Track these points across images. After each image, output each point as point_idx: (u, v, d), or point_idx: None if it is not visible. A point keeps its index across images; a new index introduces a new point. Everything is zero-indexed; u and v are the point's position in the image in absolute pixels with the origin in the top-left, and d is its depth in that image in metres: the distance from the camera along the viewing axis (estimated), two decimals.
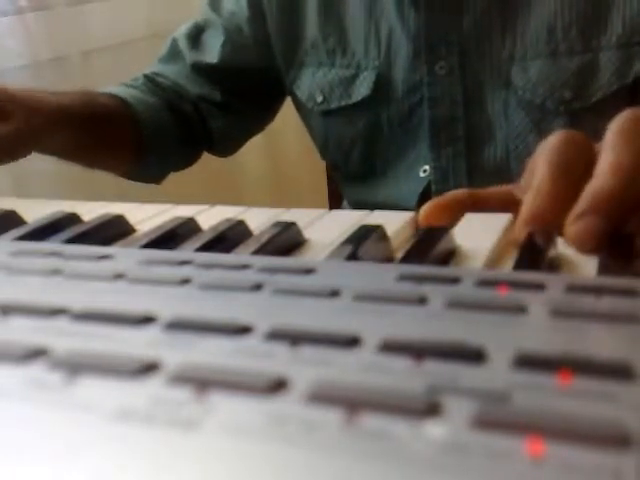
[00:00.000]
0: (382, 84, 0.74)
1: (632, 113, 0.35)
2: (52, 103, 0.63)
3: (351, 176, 0.82)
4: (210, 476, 0.15)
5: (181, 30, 0.84)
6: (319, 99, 0.78)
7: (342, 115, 0.78)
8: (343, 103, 0.77)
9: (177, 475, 0.15)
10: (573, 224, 0.30)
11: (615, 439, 0.15)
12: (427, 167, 0.74)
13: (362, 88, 0.75)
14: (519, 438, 0.16)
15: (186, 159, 0.85)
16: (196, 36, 0.83)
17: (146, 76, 0.82)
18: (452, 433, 0.16)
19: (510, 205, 0.37)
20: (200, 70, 0.82)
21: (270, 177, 1.63)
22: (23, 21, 1.11)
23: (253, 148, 1.52)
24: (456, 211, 0.37)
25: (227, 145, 0.87)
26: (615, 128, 0.34)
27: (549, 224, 0.32)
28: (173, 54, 0.84)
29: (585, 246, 0.30)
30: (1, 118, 0.57)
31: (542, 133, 0.69)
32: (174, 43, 0.84)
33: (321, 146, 0.83)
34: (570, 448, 0.15)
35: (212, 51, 0.82)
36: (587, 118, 0.67)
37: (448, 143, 0.72)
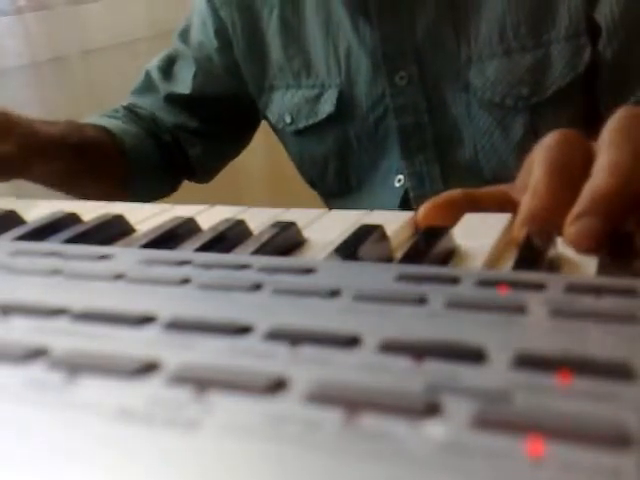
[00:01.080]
0: (345, 100, 0.76)
1: (628, 111, 0.35)
2: (45, 132, 0.64)
3: (329, 192, 0.84)
4: (210, 476, 0.15)
5: (153, 62, 0.86)
6: (288, 120, 0.80)
7: (311, 134, 0.80)
8: (310, 122, 0.79)
9: (177, 475, 0.15)
10: (572, 225, 0.30)
11: (615, 439, 0.15)
12: (401, 177, 0.75)
13: (326, 106, 0.77)
14: (519, 438, 0.16)
15: (169, 186, 0.87)
16: (168, 67, 0.85)
17: (125, 107, 0.84)
18: (452, 433, 0.16)
19: (506, 205, 0.37)
20: (174, 101, 0.84)
21: (269, 177, 1.63)
22: (22, 21, 1.11)
23: (253, 148, 1.51)
24: (453, 211, 0.37)
25: (206, 171, 0.89)
26: (612, 126, 0.34)
27: (547, 224, 0.32)
28: (147, 86, 0.86)
29: (584, 247, 0.30)
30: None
31: (506, 130, 0.70)
32: (147, 75, 0.86)
33: (297, 165, 0.85)
34: (570, 448, 0.15)
35: (184, 82, 0.84)
36: (546, 111, 0.69)
37: (419, 150, 0.74)
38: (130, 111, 0.83)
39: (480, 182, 0.73)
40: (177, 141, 0.84)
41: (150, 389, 0.19)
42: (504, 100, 0.69)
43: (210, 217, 0.40)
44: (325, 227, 0.39)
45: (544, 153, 0.35)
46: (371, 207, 0.76)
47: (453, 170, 0.73)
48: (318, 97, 0.77)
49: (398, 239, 0.36)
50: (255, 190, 1.56)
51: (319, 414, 0.17)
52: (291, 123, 0.80)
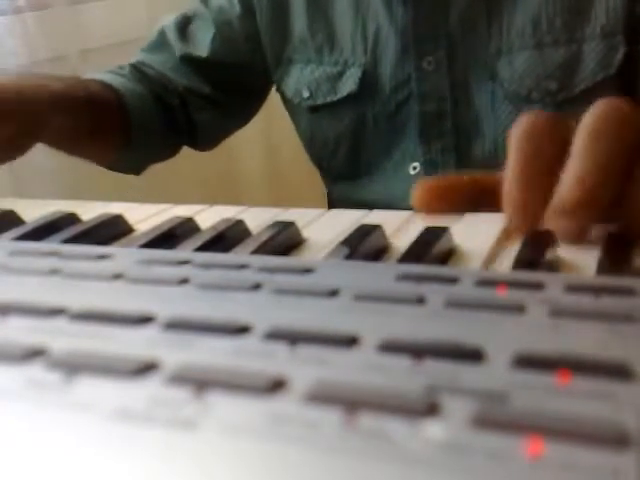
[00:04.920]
0: (368, 80, 0.75)
1: (605, 107, 0.34)
2: (50, 89, 0.63)
3: (337, 175, 0.83)
4: (209, 476, 0.15)
5: (170, 21, 0.83)
6: (305, 95, 0.79)
7: (328, 111, 0.79)
8: (329, 99, 0.78)
9: (176, 475, 0.15)
10: (548, 225, 0.33)
11: (614, 439, 0.15)
12: (417, 164, 0.75)
13: (348, 84, 0.76)
14: (518, 438, 0.16)
15: (168, 151, 0.85)
16: (184, 27, 0.83)
17: (132, 65, 0.82)
18: (451, 433, 0.16)
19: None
20: (189, 62, 0.82)
21: (269, 177, 1.63)
22: (21, 20, 1.11)
23: (252, 148, 1.52)
24: (452, 196, 0.37)
25: (209, 139, 0.87)
26: (586, 127, 0.34)
27: (526, 212, 0.33)
28: (160, 44, 0.83)
29: (567, 241, 0.32)
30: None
31: None
32: (162, 33, 0.83)
33: (307, 144, 0.84)
34: (569, 448, 0.15)
35: (201, 44, 0.82)
36: (573, 108, 0.68)
37: (437, 138, 0.73)
38: (137, 70, 0.82)
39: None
40: (184, 105, 0.82)
41: (149, 389, 0.19)
42: (531, 93, 0.69)
43: (209, 217, 0.40)
44: (324, 227, 0.39)
45: (518, 140, 0.35)
46: (378, 194, 0.76)
47: (469, 162, 0.73)
48: (340, 74, 0.76)
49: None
50: (253, 190, 1.56)
51: (318, 414, 0.17)
52: (308, 98, 0.79)
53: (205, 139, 0.86)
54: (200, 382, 0.19)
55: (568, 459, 0.15)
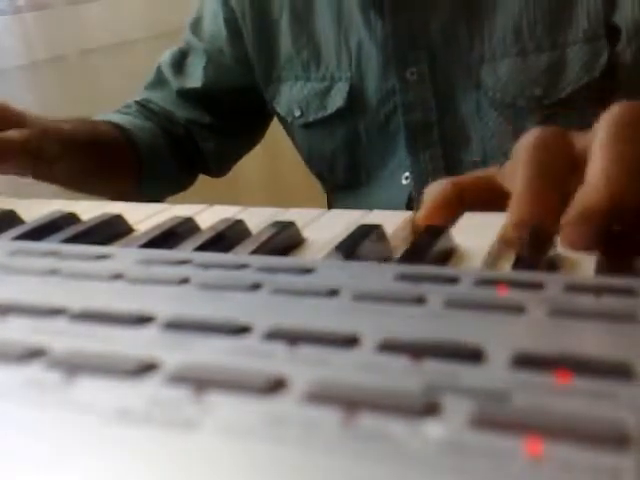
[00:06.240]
0: (356, 94, 0.75)
1: (623, 110, 0.34)
2: (62, 130, 0.64)
3: (338, 186, 0.83)
4: (209, 476, 0.15)
5: (165, 57, 0.85)
6: (297, 113, 0.80)
7: (321, 127, 0.79)
8: (320, 115, 0.78)
9: (176, 475, 0.15)
10: (565, 230, 0.30)
11: (614, 439, 0.15)
12: (408, 174, 0.75)
13: (336, 99, 0.77)
14: (518, 438, 0.16)
15: (183, 183, 0.87)
16: (179, 61, 0.84)
17: (137, 102, 0.84)
18: (451, 433, 0.16)
19: (492, 192, 0.36)
20: (186, 96, 0.83)
21: (268, 177, 1.63)
22: (21, 20, 1.11)
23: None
24: (451, 209, 0.37)
25: (220, 166, 0.88)
26: (607, 122, 0.33)
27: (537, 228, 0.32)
28: (159, 81, 0.85)
29: (580, 249, 0.30)
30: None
31: (517, 131, 0.69)
32: (159, 70, 0.85)
33: (306, 158, 0.84)
34: (569, 448, 0.15)
35: (195, 76, 0.83)
36: (559, 113, 0.68)
37: (425, 148, 0.73)
38: (142, 106, 0.83)
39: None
40: (190, 136, 0.83)
41: (149, 389, 0.19)
42: (516, 100, 0.69)
43: (209, 217, 0.40)
44: (324, 227, 0.39)
45: (528, 154, 0.34)
46: (378, 203, 0.76)
47: (459, 170, 0.73)
48: (328, 90, 0.77)
49: (397, 239, 0.36)
50: (254, 190, 1.57)
51: (318, 414, 0.17)
52: (300, 116, 0.79)
53: (216, 166, 0.87)
54: (200, 382, 0.19)
55: (568, 459, 0.15)
